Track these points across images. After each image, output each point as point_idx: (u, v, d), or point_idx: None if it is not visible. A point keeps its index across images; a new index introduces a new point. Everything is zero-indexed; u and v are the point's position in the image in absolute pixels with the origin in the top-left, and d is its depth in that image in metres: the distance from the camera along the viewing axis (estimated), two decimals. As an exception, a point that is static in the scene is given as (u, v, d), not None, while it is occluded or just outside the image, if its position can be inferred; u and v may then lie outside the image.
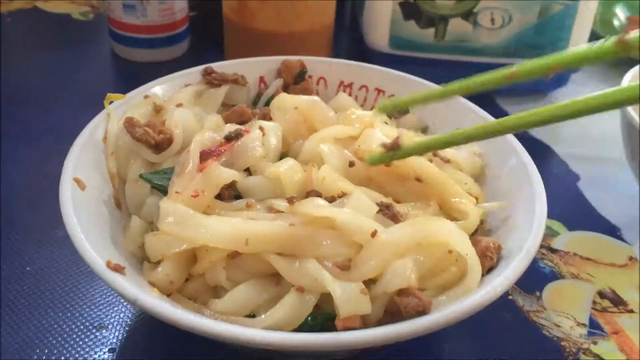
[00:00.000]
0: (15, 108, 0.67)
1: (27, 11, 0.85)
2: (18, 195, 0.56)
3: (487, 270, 0.37)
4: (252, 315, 0.36)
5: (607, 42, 0.32)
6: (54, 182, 0.40)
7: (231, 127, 0.43)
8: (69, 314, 0.45)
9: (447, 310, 0.33)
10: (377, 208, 0.37)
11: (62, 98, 0.70)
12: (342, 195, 0.39)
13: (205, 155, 0.40)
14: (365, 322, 0.34)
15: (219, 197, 0.39)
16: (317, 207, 0.36)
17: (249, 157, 0.41)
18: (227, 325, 0.31)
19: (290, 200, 0.38)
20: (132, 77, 0.75)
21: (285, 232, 0.35)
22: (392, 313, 0.34)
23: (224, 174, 0.39)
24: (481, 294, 0.33)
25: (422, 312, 0.33)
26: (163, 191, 0.40)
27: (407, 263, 0.34)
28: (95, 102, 0.48)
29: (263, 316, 0.34)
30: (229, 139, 0.42)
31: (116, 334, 0.44)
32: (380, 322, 0.34)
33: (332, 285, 0.34)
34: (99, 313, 0.45)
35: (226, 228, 0.36)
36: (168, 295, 0.37)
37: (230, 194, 0.40)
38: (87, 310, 0.46)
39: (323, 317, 0.35)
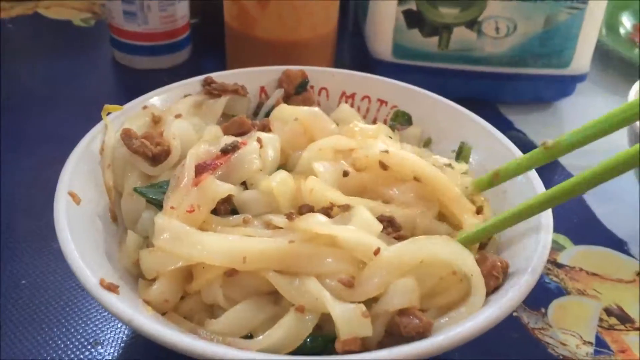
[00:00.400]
0: (16, 114, 0.66)
1: (28, 17, 0.85)
2: (16, 204, 0.55)
3: (493, 289, 0.36)
4: (250, 336, 0.35)
5: (536, 151, 0.39)
6: (52, 191, 0.40)
7: (228, 140, 0.42)
8: (64, 330, 0.44)
9: (448, 333, 0.32)
10: (381, 226, 0.36)
11: (62, 105, 0.69)
12: (331, 206, 0.38)
13: (200, 169, 0.39)
14: (365, 344, 0.33)
15: (215, 211, 0.38)
16: (319, 224, 0.36)
17: (245, 170, 0.40)
18: (221, 347, 0.30)
19: (290, 217, 0.37)
20: (133, 84, 0.74)
21: (285, 250, 0.34)
22: (391, 333, 0.33)
23: (219, 189, 0.38)
24: (483, 318, 0.32)
25: (422, 333, 0.32)
26: (158, 205, 0.39)
27: (409, 282, 0.34)
28: (95, 110, 0.47)
29: (260, 337, 0.33)
30: (226, 151, 0.41)
31: (112, 351, 0.43)
32: (380, 342, 0.33)
33: (332, 306, 0.33)
34: (94, 329, 0.44)
35: (223, 245, 0.35)
36: (163, 314, 0.36)
37: (226, 208, 0.39)
38: (83, 325, 0.45)
39: (323, 339, 0.34)
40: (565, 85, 0.72)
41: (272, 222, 0.37)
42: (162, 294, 0.36)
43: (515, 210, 0.37)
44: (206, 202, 0.37)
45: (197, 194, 0.37)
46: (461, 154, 0.48)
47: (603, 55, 0.82)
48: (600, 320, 0.48)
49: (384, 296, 0.34)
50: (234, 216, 0.38)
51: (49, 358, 0.42)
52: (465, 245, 0.36)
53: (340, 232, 0.35)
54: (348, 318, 0.33)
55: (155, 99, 0.49)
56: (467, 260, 0.35)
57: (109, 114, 0.46)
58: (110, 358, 0.42)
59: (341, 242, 0.35)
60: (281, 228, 0.36)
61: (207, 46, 0.79)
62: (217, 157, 0.40)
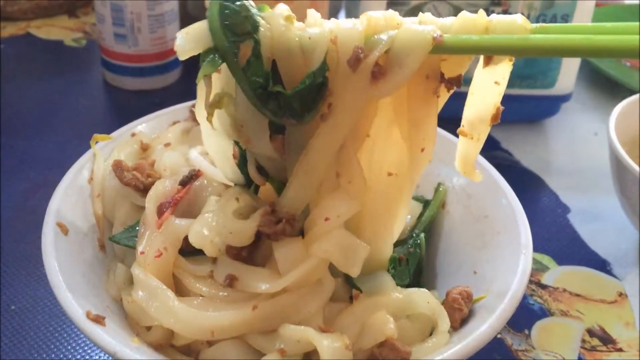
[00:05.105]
0: (7, 137, 0.67)
1: (19, 37, 0.85)
2: (5, 228, 0.55)
3: (460, 321, 0.38)
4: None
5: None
6: (41, 215, 0.40)
7: (185, 170, 0.42)
8: (52, 355, 0.45)
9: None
10: None
11: (52, 127, 0.70)
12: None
13: (162, 208, 0.39)
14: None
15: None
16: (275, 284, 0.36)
17: (204, 199, 0.40)
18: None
19: None
20: (123, 105, 0.75)
21: (250, 318, 0.35)
22: (373, 365, 0.34)
23: (180, 228, 0.38)
24: (462, 346, 0.33)
25: None
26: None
27: (384, 316, 0.35)
28: (85, 133, 0.47)
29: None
30: (184, 183, 0.41)
31: (100, 377, 0.43)
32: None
33: (319, 340, 0.34)
34: (83, 354, 0.45)
35: (192, 320, 0.35)
36: (160, 348, 0.37)
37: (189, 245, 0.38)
38: (72, 351, 0.45)
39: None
40: (551, 105, 0.73)
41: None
42: (157, 340, 0.37)
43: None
44: (171, 243, 0.38)
45: (161, 237, 0.38)
46: (436, 194, 0.49)
47: (587, 73, 0.83)
48: (583, 341, 0.49)
49: (362, 333, 0.35)
50: (200, 267, 0.38)
51: (38, 384, 0.43)
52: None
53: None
54: (333, 349, 0.33)
55: (143, 126, 0.50)
56: (429, 304, 0.38)
57: (97, 142, 0.46)
58: (99, 384, 0.43)
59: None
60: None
61: (198, 66, 0.80)
62: (177, 192, 0.40)
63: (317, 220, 0.36)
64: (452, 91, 0.37)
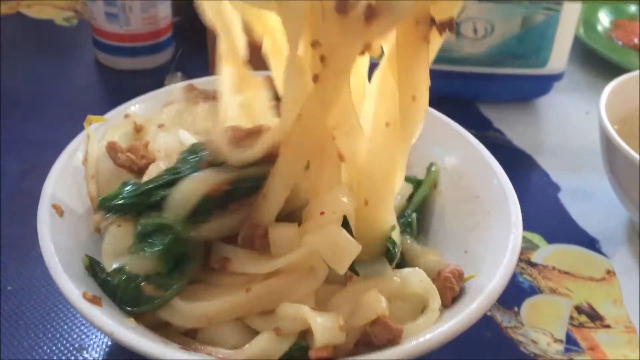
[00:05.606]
0: (-1, 118, 0.67)
1: (10, 17, 0.85)
2: (1, 209, 0.56)
3: (452, 299, 0.38)
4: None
5: None
6: (35, 197, 0.41)
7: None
8: (49, 335, 0.45)
9: (418, 340, 0.33)
10: None
11: (44, 107, 0.69)
12: None
13: None
14: (337, 352, 0.34)
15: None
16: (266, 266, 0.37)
17: None
18: (195, 358, 0.32)
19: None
20: (116, 85, 0.74)
21: (245, 300, 0.36)
22: (364, 343, 0.34)
23: None
24: (453, 324, 0.34)
25: (393, 340, 0.34)
26: None
27: (376, 294, 0.35)
28: (78, 114, 0.47)
29: (233, 351, 0.35)
30: None
31: (96, 356, 0.44)
32: (350, 352, 0.35)
33: (313, 318, 0.34)
34: (79, 334, 0.46)
35: (187, 311, 0.36)
36: (157, 328, 0.37)
37: None
38: (68, 331, 0.46)
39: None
40: (543, 84, 0.73)
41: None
42: (152, 321, 0.38)
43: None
44: None
45: None
46: (428, 174, 0.49)
47: (581, 52, 0.83)
48: (571, 318, 0.50)
49: (355, 311, 0.35)
50: None
51: (35, 363, 0.43)
52: None
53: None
54: (327, 328, 0.34)
55: (137, 107, 0.50)
56: (423, 284, 0.38)
57: (90, 123, 0.46)
58: (96, 363, 0.44)
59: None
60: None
61: (190, 44, 0.79)
62: None
63: (314, 212, 0.36)
64: (444, 35, 0.36)
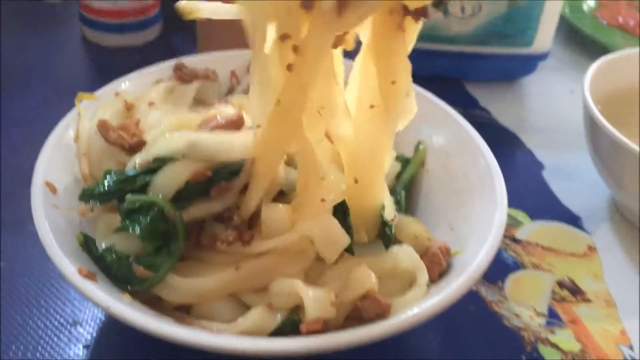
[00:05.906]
0: (-16, 96, 0.66)
1: (-6, -8, 0.84)
2: (-9, 188, 0.56)
3: (439, 274, 0.39)
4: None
5: None
6: (26, 175, 0.41)
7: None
8: (43, 310, 0.46)
9: (406, 314, 0.34)
10: None
11: (32, 84, 0.69)
12: None
13: None
14: (328, 326, 0.36)
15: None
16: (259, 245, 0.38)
17: None
18: (189, 331, 0.33)
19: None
20: (104, 62, 0.74)
21: (235, 278, 0.37)
22: (354, 317, 0.35)
23: None
24: (438, 299, 0.35)
25: (382, 314, 0.35)
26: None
27: (365, 270, 0.36)
28: (65, 91, 0.48)
29: (227, 325, 0.36)
30: None
31: (90, 331, 0.45)
32: (340, 327, 0.36)
33: (306, 291, 0.35)
34: (73, 309, 0.46)
35: (179, 286, 0.37)
36: (151, 303, 0.38)
37: None
38: (62, 306, 0.46)
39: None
40: (528, 64, 0.74)
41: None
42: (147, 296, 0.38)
43: None
44: None
45: None
46: (416, 152, 0.50)
47: (566, 32, 0.84)
48: (553, 292, 0.52)
49: (345, 286, 0.36)
50: None
51: (29, 338, 0.44)
52: None
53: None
54: (319, 301, 0.35)
55: (126, 84, 0.50)
56: (411, 260, 0.40)
57: (81, 101, 0.47)
58: (89, 337, 0.44)
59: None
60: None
61: (178, 21, 0.79)
62: None
63: (313, 200, 0.37)
64: (420, 22, 0.36)
